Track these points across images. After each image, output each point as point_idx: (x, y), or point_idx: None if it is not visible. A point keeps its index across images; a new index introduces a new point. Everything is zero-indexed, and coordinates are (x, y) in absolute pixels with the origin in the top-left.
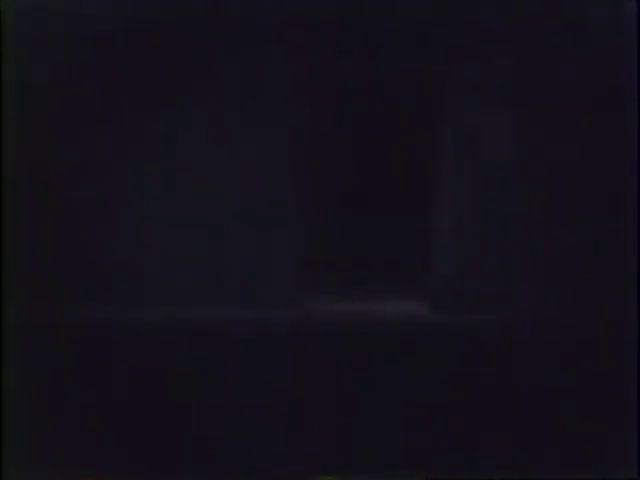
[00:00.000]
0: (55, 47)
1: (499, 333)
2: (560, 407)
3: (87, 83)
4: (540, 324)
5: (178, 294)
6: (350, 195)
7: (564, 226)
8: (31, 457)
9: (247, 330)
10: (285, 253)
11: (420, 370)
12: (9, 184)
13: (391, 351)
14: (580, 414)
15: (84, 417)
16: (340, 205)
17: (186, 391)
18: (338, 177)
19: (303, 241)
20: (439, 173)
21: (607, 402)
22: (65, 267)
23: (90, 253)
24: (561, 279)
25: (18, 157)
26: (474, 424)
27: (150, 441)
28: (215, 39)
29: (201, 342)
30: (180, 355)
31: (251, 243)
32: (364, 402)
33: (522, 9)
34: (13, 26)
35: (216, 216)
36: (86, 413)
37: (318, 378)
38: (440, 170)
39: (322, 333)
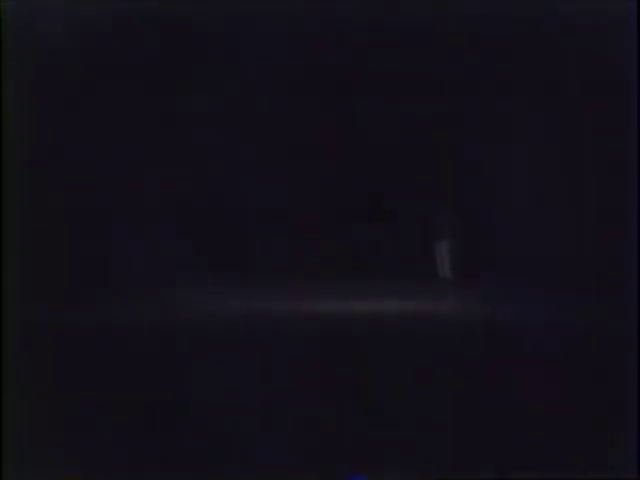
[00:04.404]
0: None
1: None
2: (560, 406)
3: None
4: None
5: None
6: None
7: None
8: (31, 457)
9: None
10: None
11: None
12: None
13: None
14: (580, 414)
15: (84, 417)
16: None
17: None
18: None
19: None
20: None
21: (608, 402)
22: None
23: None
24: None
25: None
26: (471, 422)
27: (149, 441)
28: None
29: None
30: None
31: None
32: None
33: None
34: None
35: None
36: (85, 413)
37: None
38: None
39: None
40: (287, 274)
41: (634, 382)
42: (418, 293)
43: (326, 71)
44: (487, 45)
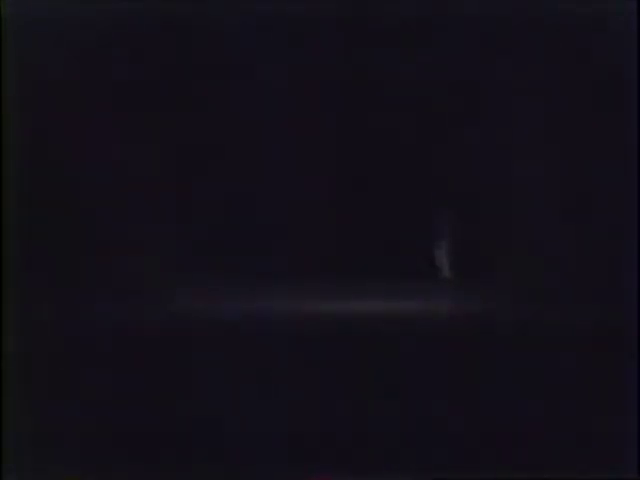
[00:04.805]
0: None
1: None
2: (561, 407)
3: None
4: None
5: None
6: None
7: None
8: (31, 457)
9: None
10: None
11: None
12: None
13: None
14: (581, 414)
15: (82, 420)
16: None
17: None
18: None
19: None
20: None
21: (608, 402)
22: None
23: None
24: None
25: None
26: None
27: (148, 442)
28: None
29: None
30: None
31: None
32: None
33: None
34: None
35: None
36: (83, 415)
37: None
38: None
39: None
40: (287, 274)
41: (634, 382)
42: (418, 293)
43: (328, 70)
44: (486, 45)
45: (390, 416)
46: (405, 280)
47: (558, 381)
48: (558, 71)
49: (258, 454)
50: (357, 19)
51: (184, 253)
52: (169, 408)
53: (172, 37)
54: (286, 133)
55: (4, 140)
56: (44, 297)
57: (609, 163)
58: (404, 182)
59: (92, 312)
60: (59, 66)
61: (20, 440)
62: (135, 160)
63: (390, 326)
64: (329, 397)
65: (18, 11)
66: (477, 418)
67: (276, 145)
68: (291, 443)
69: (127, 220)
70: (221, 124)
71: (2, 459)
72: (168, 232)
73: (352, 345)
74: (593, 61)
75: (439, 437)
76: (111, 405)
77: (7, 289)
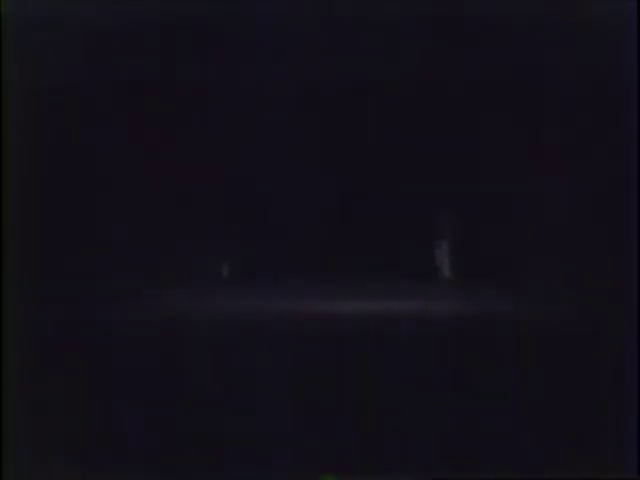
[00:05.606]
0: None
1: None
2: (560, 406)
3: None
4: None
5: None
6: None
7: None
8: (31, 457)
9: None
10: None
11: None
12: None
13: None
14: (580, 413)
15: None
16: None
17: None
18: None
19: None
20: None
21: (607, 402)
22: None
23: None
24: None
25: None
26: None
27: (148, 442)
28: None
29: None
30: None
31: None
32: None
33: None
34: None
35: None
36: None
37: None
38: None
39: None
40: (287, 274)
41: (634, 382)
42: (418, 293)
43: (331, 71)
44: (487, 43)
45: (390, 416)
46: (405, 280)
47: (558, 381)
48: (557, 72)
49: (258, 455)
50: None
51: (183, 253)
52: (169, 408)
53: (172, 37)
54: (285, 132)
55: (4, 140)
56: (45, 297)
57: (609, 163)
58: (404, 182)
59: (92, 311)
60: (59, 66)
61: (20, 440)
62: (135, 159)
63: (390, 326)
64: (329, 397)
65: (18, 10)
66: (477, 418)
67: (276, 144)
68: (291, 444)
69: (126, 219)
70: (220, 123)
71: (2, 459)
72: (168, 232)
73: (352, 345)
74: (593, 61)
75: (439, 437)
76: (112, 405)
77: (7, 289)
